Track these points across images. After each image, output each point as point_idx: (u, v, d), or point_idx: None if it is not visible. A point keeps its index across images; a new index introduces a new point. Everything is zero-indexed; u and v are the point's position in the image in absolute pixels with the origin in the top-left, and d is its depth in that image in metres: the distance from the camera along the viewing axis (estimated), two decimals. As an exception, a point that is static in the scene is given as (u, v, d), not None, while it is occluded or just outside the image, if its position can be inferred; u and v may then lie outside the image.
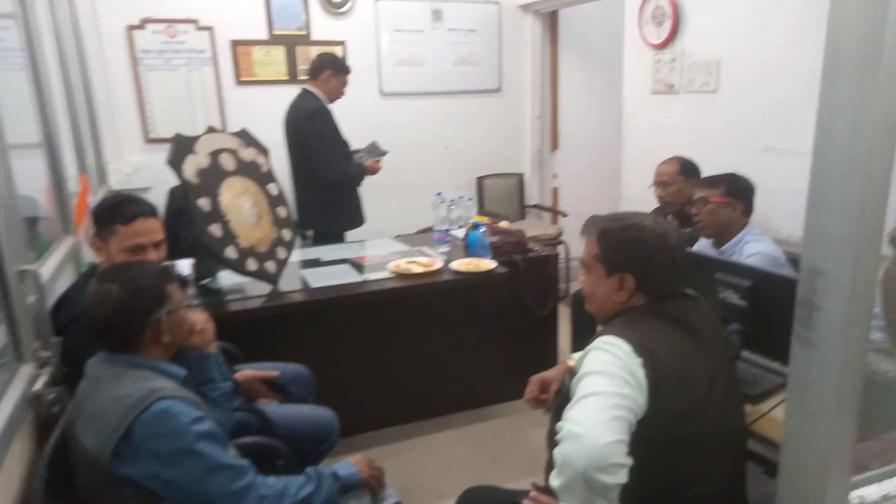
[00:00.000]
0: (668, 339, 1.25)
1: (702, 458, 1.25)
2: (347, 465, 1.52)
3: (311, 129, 3.38)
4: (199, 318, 1.61)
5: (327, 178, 3.40)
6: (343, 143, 3.54)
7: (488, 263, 2.79)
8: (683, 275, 1.35)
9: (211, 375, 1.58)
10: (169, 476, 1.21)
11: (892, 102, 0.56)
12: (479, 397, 3.05)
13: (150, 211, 1.77)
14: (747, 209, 2.32)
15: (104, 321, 1.30)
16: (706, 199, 2.34)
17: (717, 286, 1.58)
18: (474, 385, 3.01)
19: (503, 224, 3.26)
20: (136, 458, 1.20)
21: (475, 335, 2.95)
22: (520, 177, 4.85)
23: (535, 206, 4.92)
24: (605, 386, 1.14)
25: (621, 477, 1.08)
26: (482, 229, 2.99)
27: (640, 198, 3.06)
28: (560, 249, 4.23)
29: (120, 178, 3.92)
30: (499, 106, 4.76)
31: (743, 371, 1.59)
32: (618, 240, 1.34)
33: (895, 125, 0.58)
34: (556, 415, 1.29)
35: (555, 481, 1.13)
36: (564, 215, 4.74)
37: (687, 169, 2.80)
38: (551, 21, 4.72)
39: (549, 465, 1.33)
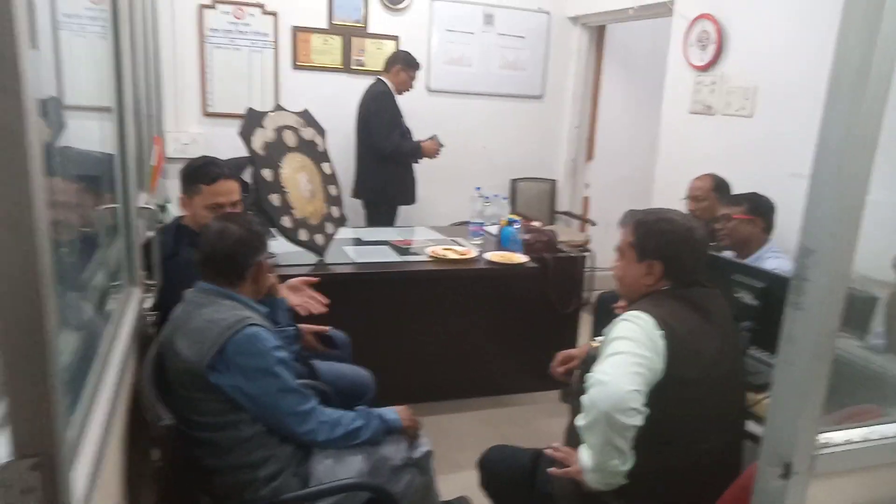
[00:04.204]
0: (685, 317, 1.44)
1: (703, 420, 1.43)
2: (392, 411, 1.72)
3: (374, 107, 3.92)
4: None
5: (383, 151, 3.91)
6: (401, 126, 4.00)
7: (520, 257, 2.97)
8: (704, 266, 1.53)
9: (278, 319, 1.80)
10: (250, 390, 1.42)
11: (874, 120, 0.74)
12: (498, 385, 3.23)
13: (229, 173, 1.98)
14: (767, 226, 2.49)
15: (223, 253, 1.52)
16: (729, 216, 2.50)
17: (733, 287, 1.75)
18: (494, 372, 3.19)
19: (536, 223, 3.44)
20: (226, 370, 1.41)
21: (500, 325, 3.13)
22: (553, 183, 5.03)
23: (565, 213, 5.09)
24: (630, 348, 1.33)
25: (637, 420, 1.28)
26: (516, 226, 3.17)
27: (669, 211, 3.21)
28: (587, 258, 4.38)
29: (177, 146, 4.16)
30: (539, 112, 4.94)
31: (750, 365, 1.75)
32: (650, 230, 1.53)
33: (874, 139, 0.76)
34: (577, 394, 1.48)
35: (580, 421, 1.33)
36: (593, 224, 4.90)
37: (720, 186, 2.95)
38: (598, 34, 4.90)
39: (568, 435, 1.52)
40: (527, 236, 3.18)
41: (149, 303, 1.59)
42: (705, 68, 3.49)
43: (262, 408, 1.45)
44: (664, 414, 1.36)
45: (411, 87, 4.08)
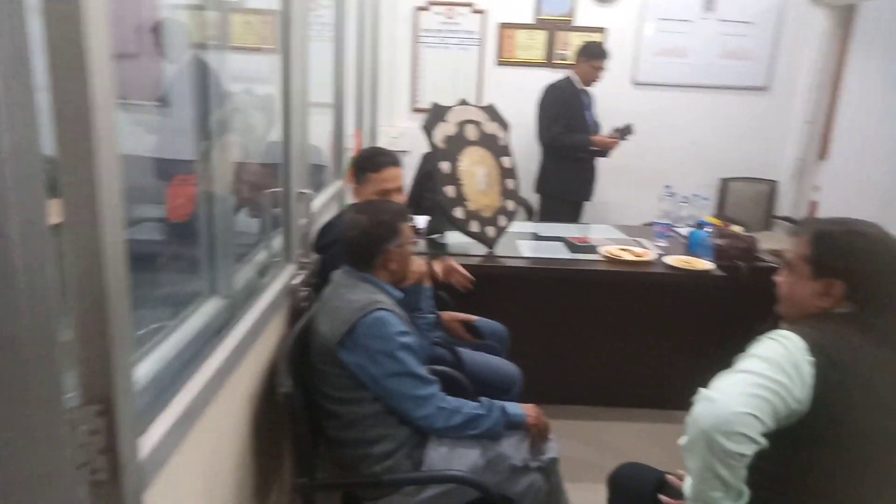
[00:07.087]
0: (857, 348, 1.20)
1: (874, 480, 1.18)
2: (517, 406, 1.70)
3: (541, 99, 3.91)
4: (419, 262, 1.92)
5: (541, 142, 3.90)
6: (569, 119, 3.84)
7: (705, 263, 2.71)
8: None
9: (420, 305, 1.89)
10: (371, 370, 1.52)
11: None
12: (669, 399, 2.96)
13: (394, 161, 2.11)
14: None
15: (352, 242, 1.65)
16: None
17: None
18: (667, 385, 2.93)
19: (735, 228, 3.11)
20: (353, 348, 1.53)
21: (679, 335, 2.89)
22: (772, 184, 4.47)
23: (784, 219, 4.50)
24: (759, 368, 1.14)
25: (745, 448, 1.08)
26: (708, 229, 2.90)
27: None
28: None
29: (387, 140, 4.53)
30: (762, 105, 4.43)
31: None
32: (836, 245, 1.28)
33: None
34: None
35: (681, 440, 1.19)
36: (820, 233, 4.25)
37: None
38: (846, 15, 4.21)
39: None
40: (720, 241, 2.89)
41: (299, 279, 1.78)
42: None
43: (381, 388, 1.53)
44: (811, 458, 1.16)
45: (598, 77, 3.88)
